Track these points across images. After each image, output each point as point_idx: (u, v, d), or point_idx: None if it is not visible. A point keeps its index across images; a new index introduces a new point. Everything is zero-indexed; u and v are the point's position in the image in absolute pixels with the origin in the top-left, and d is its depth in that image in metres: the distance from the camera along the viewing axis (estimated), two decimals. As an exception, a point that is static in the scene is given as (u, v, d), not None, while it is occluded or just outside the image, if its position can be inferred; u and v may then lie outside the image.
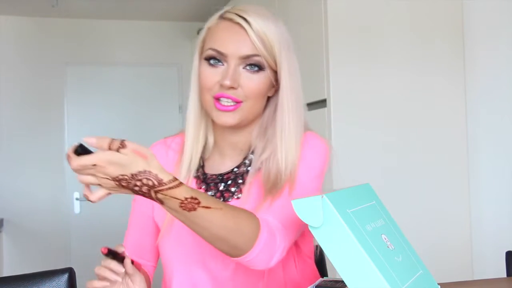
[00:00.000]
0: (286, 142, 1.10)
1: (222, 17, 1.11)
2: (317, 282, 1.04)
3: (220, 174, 1.16)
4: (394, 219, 0.94)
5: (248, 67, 1.08)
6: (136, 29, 4.57)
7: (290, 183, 1.08)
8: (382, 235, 0.84)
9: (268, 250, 0.95)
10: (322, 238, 0.78)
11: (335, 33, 2.13)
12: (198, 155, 1.17)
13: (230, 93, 1.07)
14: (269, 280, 1.11)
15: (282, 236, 0.99)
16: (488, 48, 2.25)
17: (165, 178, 0.80)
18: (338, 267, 0.77)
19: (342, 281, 0.95)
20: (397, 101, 2.19)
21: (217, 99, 1.08)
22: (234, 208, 0.93)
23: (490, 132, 2.25)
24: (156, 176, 0.79)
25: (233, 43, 1.07)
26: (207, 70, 1.10)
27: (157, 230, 1.20)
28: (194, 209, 0.84)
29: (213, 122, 1.17)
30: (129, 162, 0.77)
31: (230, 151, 1.18)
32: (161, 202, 0.82)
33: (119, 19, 4.52)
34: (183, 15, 4.40)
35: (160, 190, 0.80)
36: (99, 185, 0.80)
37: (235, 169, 1.15)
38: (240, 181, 1.14)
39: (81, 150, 0.79)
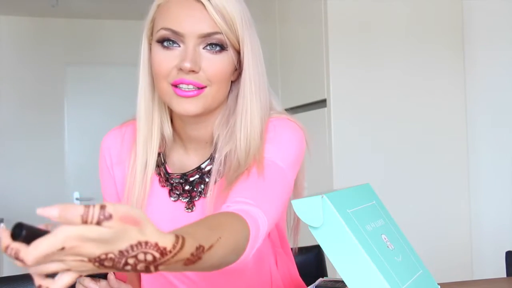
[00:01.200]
0: (247, 129, 0.98)
1: None
2: (317, 282, 1.04)
3: (184, 174, 1.04)
4: (394, 219, 0.94)
5: (208, 47, 0.95)
6: (136, 29, 4.56)
7: (257, 165, 0.94)
8: (382, 235, 0.84)
9: (252, 246, 0.82)
10: (322, 238, 0.78)
11: (335, 33, 2.13)
12: (154, 154, 1.03)
13: (191, 78, 0.93)
14: (254, 272, 1.04)
15: (264, 224, 0.85)
16: (488, 48, 2.26)
17: (169, 244, 0.56)
18: (338, 267, 0.77)
19: (342, 281, 0.95)
20: (397, 101, 2.19)
21: (176, 86, 0.94)
22: (225, 221, 0.75)
23: (490, 132, 2.25)
24: (156, 246, 0.54)
25: (190, 20, 0.94)
26: (161, 54, 0.96)
27: None
28: (200, 258, 0.62)
29: (171, 113, 1.05)
30: (116, 236, 0.52)
31: (194, 144, 1.06)
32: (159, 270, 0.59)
33: (119, 19, 4.52)
34: (183, 15, 4.39)
35: (164, 262, 0.56)
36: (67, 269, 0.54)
37: (202, 166, 1.04)
38: (208, 179, 1.02)
39: (26, 232, 0.54)
